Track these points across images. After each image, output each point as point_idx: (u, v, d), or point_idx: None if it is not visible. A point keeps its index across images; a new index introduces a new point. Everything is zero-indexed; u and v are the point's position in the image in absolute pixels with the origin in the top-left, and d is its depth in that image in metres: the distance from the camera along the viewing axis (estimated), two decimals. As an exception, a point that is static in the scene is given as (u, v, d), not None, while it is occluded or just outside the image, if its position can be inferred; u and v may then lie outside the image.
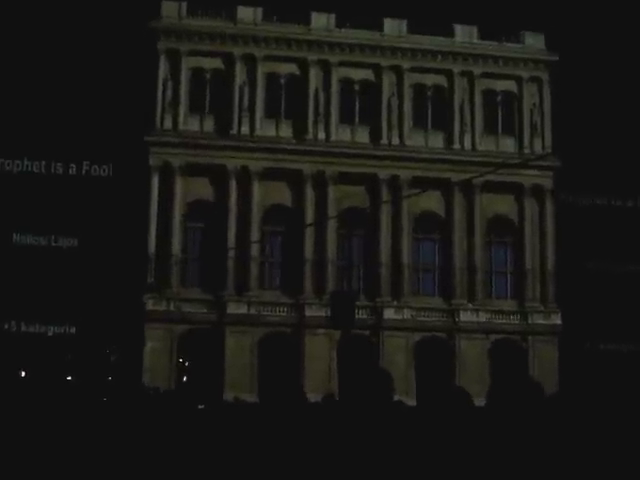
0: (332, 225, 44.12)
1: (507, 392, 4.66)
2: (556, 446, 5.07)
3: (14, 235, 41.11)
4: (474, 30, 47.29)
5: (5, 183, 41.07)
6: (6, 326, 40.87)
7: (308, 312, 42.91)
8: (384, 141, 45.93)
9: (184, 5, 45.39)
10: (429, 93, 47.03)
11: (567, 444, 5.22)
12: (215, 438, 5.70)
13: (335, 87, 45.98)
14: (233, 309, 43.11)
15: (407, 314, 44.26)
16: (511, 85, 47.59)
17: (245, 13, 45.76)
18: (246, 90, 45.24)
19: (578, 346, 43.10)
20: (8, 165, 41.78)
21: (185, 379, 42.73)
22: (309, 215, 44.33)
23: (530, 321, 45.21)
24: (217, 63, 45.55)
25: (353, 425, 4.84)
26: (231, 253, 43.31)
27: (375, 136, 46.04)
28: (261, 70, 45.58)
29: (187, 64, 45.13)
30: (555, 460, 4.91)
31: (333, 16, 46.31)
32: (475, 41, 47.35)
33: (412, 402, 7.43)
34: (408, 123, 46.32)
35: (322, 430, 5.13)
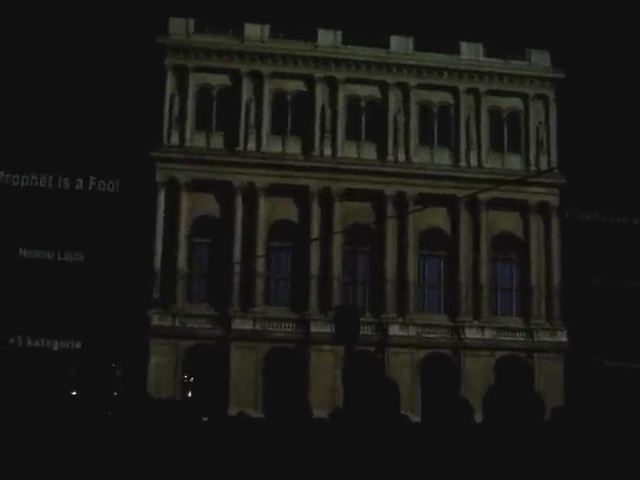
0: (338, 241, 44.17)
1: (508, 407, 4.68)
2: (559, 461, 5.08)
3: (20, 250, 41.20)
4: (480, 47, 47.44)
5: (12, 198, 41.20)
6: (12, 341, 40.90)
7: (313, 328, 42.91)
8: (390, 158, 46.04)
9: (192, 22, 45.64)
10: (435, 110, 47.16)
11: (571, 459, 5.24)
12: (217, 451, 5.72)
13: (341, 104, 46.13)
14: (238, 325, 43.12)
15: (412, 331, 44.23)
16: (517, 102, 47.70)
17: (252, 30, 45.97)
18: (253, 107, 45.41)
19: (584, 363, 42.97)
20: (15, 180, 41.91)
21: (190, 394, 42.69)
22: (315, 231, 44.39)
23: (536, 338, 45.13)
24: (224, 80, 45.75)
25: (358, 439, 4.87)
26: (237, 269, 43.37)
27: (381, 153, 46.15)
28: (268, 87, 45.77)
29: (194, 80, 45.35)
30: (559, 474, 4.93)
31: (339, 33, 46.50)
32: (481, 58, 47.49)
33: (417, 418, 7.44)
34: (414, 140, 46.44)
35: (327, 445, 5.16)
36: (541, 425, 4.79)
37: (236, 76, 45.70)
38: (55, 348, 41.30)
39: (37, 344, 41.09)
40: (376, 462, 4.71)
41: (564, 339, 44.77)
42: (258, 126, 45.27)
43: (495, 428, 4.53)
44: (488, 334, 44.72)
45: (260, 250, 43.92)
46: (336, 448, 5.04)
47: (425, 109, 47.01)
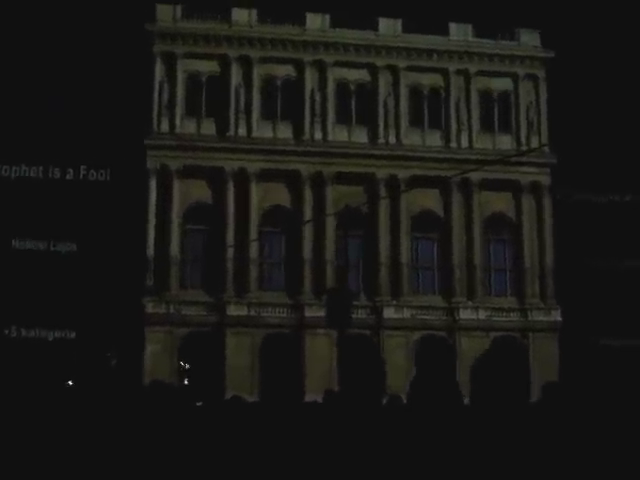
0: (330, 225, 44.16)
1: (495, 386, 4.69)
2: (551, 440, 5.09)
3: (13, 240, 41.12)
4: (469, 28, 47.35)
5: (3, 189, 41.08)
6: (6, 331, 40.87)
7: (308, 312, 42.95)
8: (381, 141, 46.00)
9: (179, 8, 45.42)
10: (425, 92, 47.09)
11: (563, 437, 5.25)
12: (213, 434, 5.73)
13: (331, 87, 46.03)
14: (233, 311, 43.14)
15: (407, 313, 44.32)
16: (507, 83, 47.65)
17: (240, 15, 45.79)
18: (242, 92, 45.29)
19: (578, 342, 43.12)
20: (5, 171, 41.78)
21: (186, 381, 42.73)
22: (307, 216, 44.37)
23: (530, 318, 45.26)
24: (213, 65, 45.60)
25: (351, 419, 4.87)
26: (230, 254, 43.37)
27: (372, 136, 46.10)
28: (257, 72, 45.63)
29: (183, 67, 45.18)
30: (554, 453, 4.93)
31: (328, 17, 46.35)
32: (470, 39, 47.40)
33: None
34: (405, 122, 46.39)
35: (320, 427, 5.16)
36: (528, 403, 4.80)
37: (225, 62, 45.55)
38: (50, 338, 41.28)
39: (32, 334, 41.06)
40: (367, 444, 4.72)
41: (558, 318, 44.92)
42: (248, 111, 45.17)
43: (481, 407, 4.54)
44: (482, 314, 44.84)
45: (253, 235, 43.91)
46: (329, 430, 5.04)
47: (415, 91, 46.94)
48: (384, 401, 5.48)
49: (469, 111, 46.84)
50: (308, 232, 44.36)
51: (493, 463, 4.75)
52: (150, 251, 43.02)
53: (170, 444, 5.31)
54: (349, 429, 4.91)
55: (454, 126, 46.64)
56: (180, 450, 5.28)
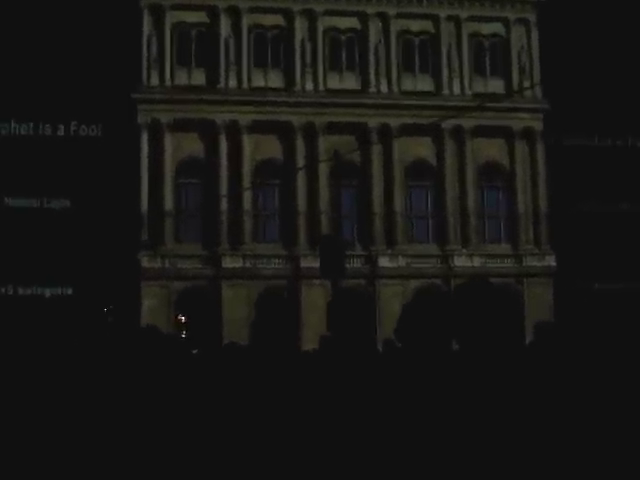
0: (324, 175, 44.07)
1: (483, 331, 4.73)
2: (549, 382, 5.14)
3: (5, 199, 41.02)
4: (459, -26, 46.88)
5: (-6, 147, 40.86)
6: (3, 290, 40.97)
7: (303, 263, 43.06)
8: (372, 89, 45.75)
9: (165, -41, 44.85)
10: (416, 39, 46.72)
11: (558, 379, 5.31)
12: (210, 379, 5.80)
13: (321, 36, 45.63)
14: (228, 263, 43.24)
15: (402, 261, 44.47)
16: (498, 27, 47.29)
17: (227, -35, 45.26)
18: (232, 43, 44.90)
19: (572, 286, 43.36)
20: (-4, 129, 41.52)
21: (184, 335, 42.95)
22: (300, 166, 44.27)
23: (524, 263, 45.46)
24: (201, 17, 45.13)
25: (346, 363, 4.93)
26: (224, 207, 43.34)
27: (363, 84, 45.84)
28: (246, 22, 45.18)
29: (171, 19, 44.72)
30: (549, 396, 4.99)
31: (316, -35, 45.85)
32: (460, -16, 46.94)
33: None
34: (396, 70, 46.09)
35: (316, 371, 5.23)
36: (522, 345, 4.84)
37: (213, 12, 45.09)
38: (47, 295, 41.40)
39: (29, 292, 41.16)
40: (362, 388, 4.78)
41: (552, 263, 45.11)
42: (238, 63, 44.82)
43: (474, 349, 4.58)
44: (477, 261, 45.00)
45: (246, 188, 43.84)
46: (325, 374, 5.11)
47: (406, 38, 46.57)
48: (379, 346, 5.53)
49: (460, 57, 46.55)
50: (301, 183, 44.30)
51: (486, 405, 4.80)
52: (144, 206, 42.96)
53: (166, 389, 5.37)
54: (344, 372, 4.97)
55: (445, 73, 46.37)
56: (177, 396, 5.35)
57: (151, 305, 42.07)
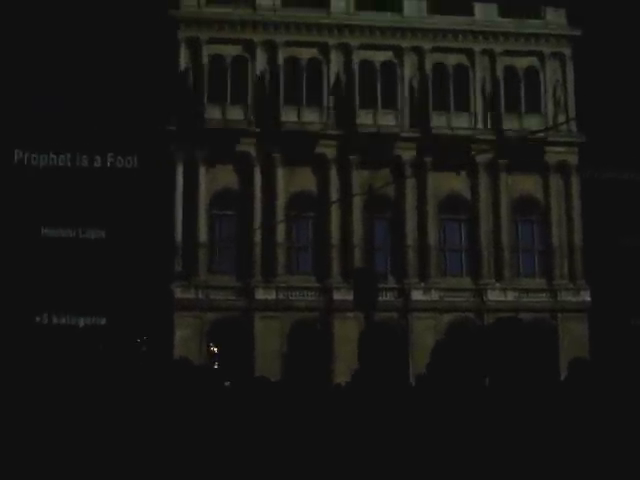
0: (357, 208, 44.11)
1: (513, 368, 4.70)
2: (582, 418, 5.09)
3: (42, 228, 41.46)
4: (494, 8, 46.99)
5: (31, 177, 41.41)
6: (38, 319, 41.29)
7: (336, 296, 43.00)
8: (406, 123, 45.81)
9: (203, -6, 45.47)
10: (451, 73, 46.82)
11: (593, 416, 5.25)
12: (240, 412, 5.79)
13: (356, 70, 45.84)
14: (261, 295, 43.29)
15: (435, 295, 44.26)
16: (533, 62, 47.28)
17: (263, -1, 45.79)
18: (267, 76, 45.27)
19: (608, 322, 42.89)
20: (34, 159, 42.09)
21: (216, 366, 42.98)
22: (334, 199, 44.32)
23: (559, 298, 45.05)
24: (237, 50, 45.59)
25: (377, 399, 4.91)
26: (258, 239, 43.48)
27: (398, 118, 45.91)
28: (282, 56, 45.56)
29: (208, 52, 45.20)
30: (582, 431, 4.94)
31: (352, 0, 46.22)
32: (495, 19, 47.06)
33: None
34: (431, 104, 46.14)
35: (348, 406, 5.21)
36: (554, 382, 4.80)
37: (250, 46, 45.53)
38: (81, 325, 41.65)
39: (63, 321, 41.44)
40: (393, 423, 4.76)
41: (587, 298, 44.67)
42: (273, 96, 45.13)
43: (505, 386, 4.55)
44: (511, 296, 44.68)
45: (280, 219, 43.97)
46: (356, 408, 5.09)
47: (441, 72, 46.67)
48: (412, 382, 5.50)
49: (495, 91, 46.53)
50: (334, 215, 44.36)
51: (520, 441, 4.77)
52: (178, 237, 43.23)
53: (197, 420, 5.37)
54: (376, 407, 4.95)
55: (480, 107, 46.36)
56: (208, 427, 5.35)
57: (184, 335, 42.17)
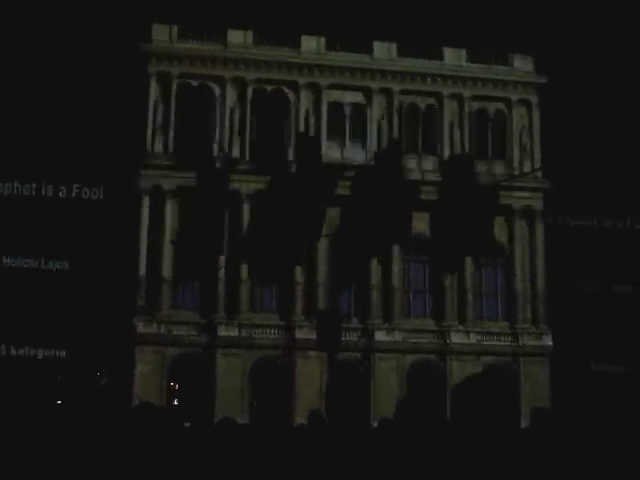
0: (323, 248, 44.08)
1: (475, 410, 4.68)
2: (543, 467, 5.07)
3: (4, 258, 41.01)
4: (463, 53, 47.63)
5: (-5, 205, 41.02)
6: (-4, 349, 40.67)
7: (299, 334, 42.84)
8: (374, 163, 46.01)
9: (175, 29, 45.58)
10: (419, 116, 47.24)
11: (554, 464, 5.23)
12: (201, 456, 5.71)
13: (325, 109, 46.11)
14: (224, 331, 43.01)
15: (398, 336, 44.24)
16: (500, 107, 47.86)
17: (236, 37, 45.98)
18: (237, 113, 45.37)
19: (569, 367, 43.10)
20: (-1, 188, 41.73)
21: (176, 402, 42.54)
22: (300, 237, 44.27)
23: (521, 342, 45.22)
24: (207, 85, 45.66)
25: (338, 445, 4.86)
26: (221, 275, 43.28)
27: (365, 157, 46.13)
28: (251, 93, 45.71)
29: (176, 87, 45.23)
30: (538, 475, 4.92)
31: (323, 39, 46.58)
32: (464, 64, 47.65)
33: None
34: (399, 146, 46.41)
35: (310, 449, 5.15)
36: (515, 428, 4.79)
37: (220, 82, 45.66)
38: (40, 357, 41.09)
39: (21, 353, 40.87)
40: (354, 463, 4.71)
41: (549, 343, 44.90)
42: (242, 133, 45.22)
43: (469, 431, 4.53)
44: (474, 338, 44.80)
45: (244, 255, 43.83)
46: (319, 452, 5.03)
47: (409, 115, 47.07)
48: (374, 424, 5.46)
49: (462, 135, 46.98)
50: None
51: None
52: (142, 270, 42.92)
53: (159, 464, 5.28)
54: (337, 452, 4.89)
55: (447, 150, 46.75)
56: (169, 471, 5.26)
57: (144, 371, 41.74)
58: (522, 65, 48.03)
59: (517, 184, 45.53)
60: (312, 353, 41.19)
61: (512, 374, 44.04)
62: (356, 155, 46.00)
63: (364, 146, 46.33)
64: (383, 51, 47.19)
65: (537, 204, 46.47)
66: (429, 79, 47.29)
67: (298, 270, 44.08)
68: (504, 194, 45.23)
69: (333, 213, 44.54)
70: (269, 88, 46.04)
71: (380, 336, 44.05)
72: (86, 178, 42.10)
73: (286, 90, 46.21)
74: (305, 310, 43.49)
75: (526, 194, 46.16)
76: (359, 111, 46.77)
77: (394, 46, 47.10)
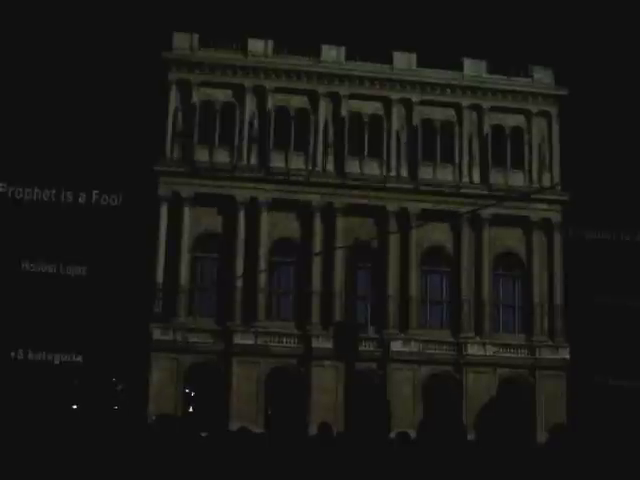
0: (340, 257, 44.08)
1: (501, 425, 4.66)
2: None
3: (22, 263, 41.19)
4: (483, 64, 47.55)
5: (15, 211, 41.25)
6: (13, 354, 40.83)
7: (315, 344, 42.80)
8: (393, 174, 46.03)
9: (196, 37, 45.77)
10: (438, 126, 47.16)
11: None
12: (217, 466, 5.69)
13: (345, 119, 46.11)
14: (240, 339, 43.02)
15: (414, 347, 44.12)
16: (520, 119, 47.70)
17: (256, 45, 46.12)
18: (256, 121, 45.46)
19: (586, 381, 42.80)
20: (19, 193, 41.96)
21: (191, 409, 42.57)
22: (317, 246, 44.30)
23: (538, 355, 44.98)
24: (227, 94, 45.81)
25: (354, 458, 4.85)
26: (239, 283, 43.32)
27: (384, 169, 46.13)
28: (271, 102, 45.81)
29: (198, 95, 45.40)
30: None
31: (343, 49, 46.64)
32: (484, 75, 47.57)
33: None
34: (417, 156, 46.41)
35: (326, 463, 5.14)
36: (532, 444, 4.76)
37: (239, 91, 45.77)
38: (56, 362, 41.21)
39: (38, 357, 41.01)
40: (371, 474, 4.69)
41: (566, 356, 44.63)
42: (261, 141, 45.29)
43: (487, 445, 4.50)
44: (490, 350, 44.59)
45: (262, 265, 43.87)
46: (335, 466, 5.02)
47: (428, 125, 47.01)
48: (391, 437, 5.44)
49: (481, 146, 46.88)
50: (317, 263, 44.29)
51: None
52: (159, 277, 43.02)
53: (174, 474, 5.28)
54: (354, 466, 4.88)
55: (466, 161, 46.68)
56: (184, 477, 5.26)
57: (160, 377, 41.81)
58: (542, 77, 47.90)
59: (535, 196, 45.34)
60: (327, 362, 41.17)
61: (528, 387, 43.81)
62: (373, 169, 46.02)
63: (382, 160, 46.28)
64: (403, 61, 47.18)
65: (555, 216, 46.28)
66: (448, 90, 47.23)
67: (315, 278, 44.07)
68: (522, 205, 45.23)
69: (352, 222, 44.59)
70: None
71: (396, 346, 43.92)
72: (105, 184, 42.26)
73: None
74: (321, 319, 43.46)
75: (544, 206, 46.01)
76: (378, 121, 46.71)
77: (414, 56, 47.09)
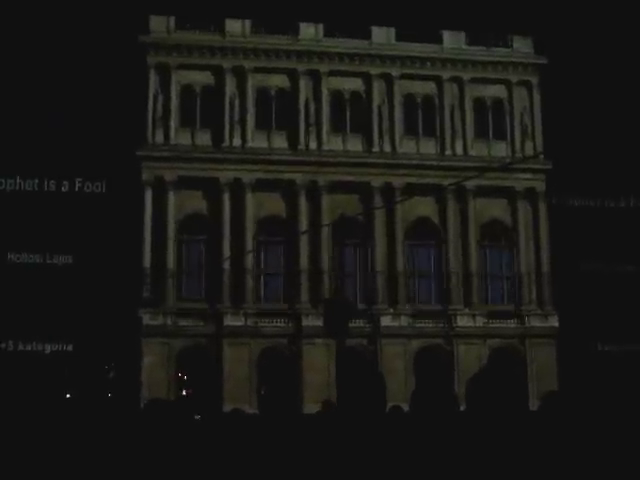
0: (326, 234, 44.14)
1: (491, 394, 4.67)
2: (550, 449, 5.07)
3: (8, 254, 41.05)
4: (462, 36, 47.48)
5: (-1, 202, 41.05)
6: (3, 345, 40.78)
7: (305, 322, 42.91)
8: (376, 149, 46.04)
9: (172, 19, 45.48)
10: (419, 100, 47.15)
11: (563, 446, 5.22)
12: (212, 448, 5.70)
13: (325, 97, 46.06)
14: (230, 321, 43.08)
15: (404, 321, 44.29)
16: (501, 90, 47.74)
17: (233, 26, 45.88)
18: (237, 102, 45.33)
19: (577, 348, 43.03)
20: (1, 184, 41.76)
21: (184, 393, 42.66)
22: (303, 225, 44.37)
23: (527, 324, 45.25)
24: (207, 76, 45.63)
25: (350, 434, 4.86)
26: (226, 265, 43.33)
27: (367, 145, 46.14)
28: (251, 82, 45.67)
29: (177, 78, 45.21)
30: (549, 462, 4.91)
31: (321, 26, 46.46)
32: (463, 47, 47.53)
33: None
34: (399, 130, 46.43)
35: (319, 441, 5.15)
36: (526, 411, 4.78)
37: (219, 72, 45.59)
38: (47, 351, 41.18)
39: (28, 348, 40.96)
40: (367, 454, 4.70)
41: (555, 324, 44.83)
42: (243, 122, 45.20)
43: (478, 415, 4.51)
44: (479, 322, 44.83)
45: (249, 246, 43.88)
46: (328, 442, 5.03)
47: (409, 99, 47.00)
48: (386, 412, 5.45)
49: (463, 118, 46.92)
50: (304, 241, 44.34)
51: (492, 474, 4.72)
52: (146, 262, 42.95)
53: (169, 458, 5.28)
54: (350, 442, 4.89)
55: (448, 134, 46.71)
56: (179, 465, 5.26)
57: (152, 362, 41.78)
58: (522, 46, 47.86)
59: (518, 166, 45.49)
60: (318, 340, 41.32)
61: (519, 356, 44.10)
62: (356, 145, 46.00)
63: (365, 136, 46.26)
64: (381, 36, 47.06)
65: (540, 185, 46.40)
66: (428, 63, 47.17)
67: (303, 257, 44.14)
68: (506, 176, 45.33)
69: (338, 200, 44.61)
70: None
71: (386, 321, 44.08)
72: (88, 172, 42.01)
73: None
74: (311, 297, 43.55)
75: (528, 175, 46.13)
76: (359, 97, 46.65)
77: (392, 31, 46.96)
